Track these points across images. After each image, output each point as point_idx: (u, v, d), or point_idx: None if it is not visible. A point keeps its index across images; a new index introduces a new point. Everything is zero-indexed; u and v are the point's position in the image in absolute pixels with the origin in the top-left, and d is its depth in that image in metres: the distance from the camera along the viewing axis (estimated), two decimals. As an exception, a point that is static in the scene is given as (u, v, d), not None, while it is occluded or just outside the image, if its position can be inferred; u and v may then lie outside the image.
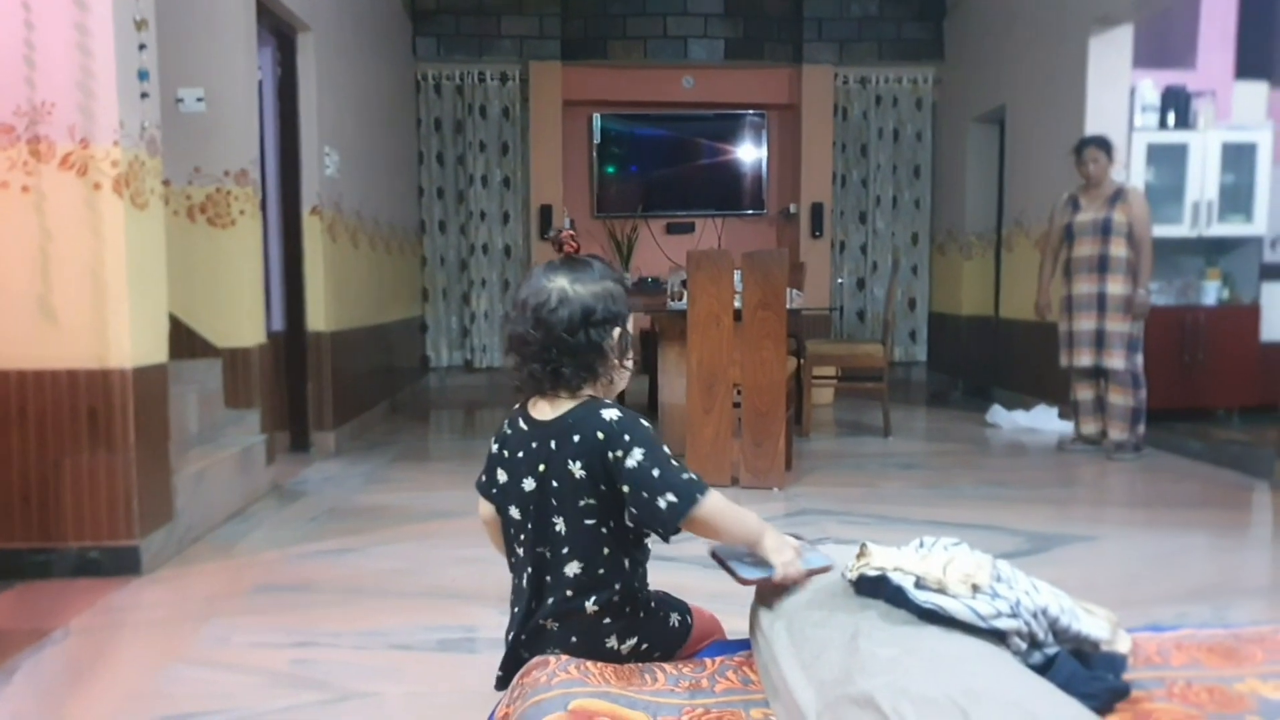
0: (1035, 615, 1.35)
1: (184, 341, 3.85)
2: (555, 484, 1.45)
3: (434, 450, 5.44)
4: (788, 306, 4.07)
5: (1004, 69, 6.73)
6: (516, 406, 1.56)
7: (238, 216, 4.02)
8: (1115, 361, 4.65)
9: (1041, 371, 5.87)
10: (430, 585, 2.85)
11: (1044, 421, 5.61)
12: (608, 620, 1.48)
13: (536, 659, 1.43)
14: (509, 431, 1.54)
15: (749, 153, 8.06)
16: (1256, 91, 6.16)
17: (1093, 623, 1.42)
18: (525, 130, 7.75)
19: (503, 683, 1.53)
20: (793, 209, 7.91)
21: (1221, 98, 6.00)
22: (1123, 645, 1.44)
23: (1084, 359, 4.75)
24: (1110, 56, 5.55)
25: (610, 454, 1.41)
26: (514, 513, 1.51)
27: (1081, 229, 4.71)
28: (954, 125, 7.65)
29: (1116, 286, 4.63)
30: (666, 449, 1.43)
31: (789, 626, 1.38)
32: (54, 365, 2.86)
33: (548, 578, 1.48)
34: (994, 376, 6.89)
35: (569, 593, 1.46)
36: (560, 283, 1.46)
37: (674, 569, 2.16)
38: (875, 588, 1.37)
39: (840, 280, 8.09)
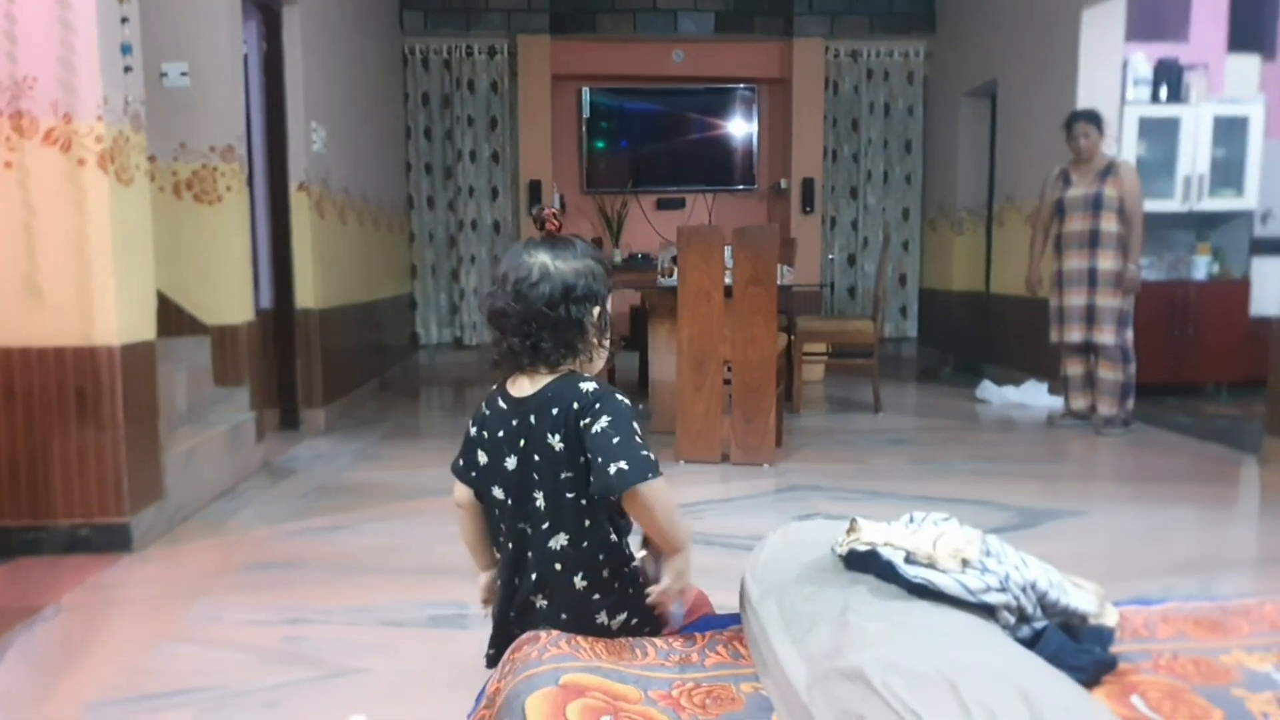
0: (1024, 589, 1.36)
1: (172, 319, 3.82)
2: (536, 458, 1.45)
3: (424, 427, 5.44)
4: (778, 283, 4.06)
5: (996, 42, 6.69)
6: (495, 387, 1.55)
7: (224, 193, 3.98)
8: (1105, 336, 4.66)
9: (1032, 347, 5.88)
10: (420, 562, 2.85)
11: (1034, 397, 5.63)
12: (597, 596, 1.48)
13: (527, 634, 1.44)
14: (488, 413, 1.53)
15: (739, 127, 8.02)
16: (1249, 64, 6.13)
17: (1081, 596, 1.43)
18: (514, 105, 7.69)
19: (493, 660, 1.53)
20: (783, 184, 7.88)
21: (1214, 71, 5.98)
22: (1110, 618, 1.45)
23: (1074, 334, 4.76)
24: (1103, 29, 5.52)
25: (580, 422, 1.42)
26: (497, 493, 1.50)
27: (1073, 204, 4.71)
28: (945, 99, 7.62)
29: (1107, 261, 4.63)
30: (636, 426, 1.43)
31: (779, 601, 1.38)
32: (41, 343, 2.84)
33: (529, 553, 1.48)
34: (984, 352, 6.90)
35: (557, 566, 1.47)
36: (541, 258, 1.46)
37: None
38: (865, 563, 1.38)
39: (831, 256, 8.08)
